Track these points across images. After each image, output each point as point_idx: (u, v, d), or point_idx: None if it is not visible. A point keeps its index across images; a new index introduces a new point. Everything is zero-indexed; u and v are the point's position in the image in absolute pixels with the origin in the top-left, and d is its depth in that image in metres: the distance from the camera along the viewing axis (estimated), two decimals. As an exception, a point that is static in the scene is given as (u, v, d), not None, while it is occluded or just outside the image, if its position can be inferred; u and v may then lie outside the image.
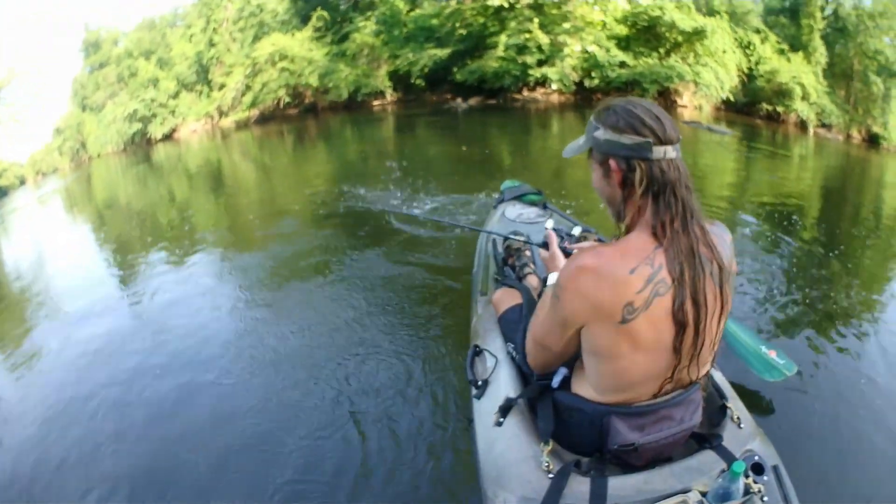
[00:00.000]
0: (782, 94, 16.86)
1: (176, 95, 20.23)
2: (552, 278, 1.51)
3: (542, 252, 1.69)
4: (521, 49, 15.95)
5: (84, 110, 21.52)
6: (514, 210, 2.95)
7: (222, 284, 4.25)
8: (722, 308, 1.16)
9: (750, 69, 17.44)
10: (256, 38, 19.04)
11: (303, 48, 17.96)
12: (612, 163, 1.17)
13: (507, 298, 1.94)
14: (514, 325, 1.76)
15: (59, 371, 3.16)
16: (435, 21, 17.80)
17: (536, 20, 15.75)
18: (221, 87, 19.48)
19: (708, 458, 1.26)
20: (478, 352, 1.86)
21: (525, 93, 17.41)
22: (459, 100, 17.01)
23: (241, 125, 18.98)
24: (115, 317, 3.83)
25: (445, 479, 2.03)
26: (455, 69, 16.99)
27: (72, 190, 13.83)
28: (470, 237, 4.03)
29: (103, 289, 4.49)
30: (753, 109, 17.17)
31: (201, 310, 3.72)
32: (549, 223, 1.89)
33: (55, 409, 2.74)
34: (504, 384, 1.62)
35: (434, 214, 4.10)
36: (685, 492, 1.18)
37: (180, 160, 15.11)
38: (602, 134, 1.17)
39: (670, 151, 1.12)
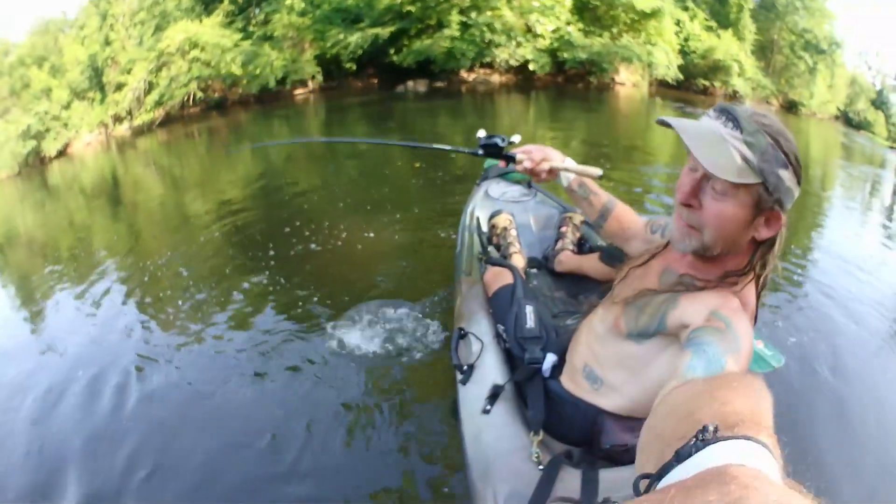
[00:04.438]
0: (718, 69, 16.59)
1: (68, 105, 16.43)
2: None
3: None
4: (478, 28, 13.32)
5: None
6: (497, 188, 2.65)
7: (139, 310, 3.51)
8: None
9: (681, 46, 16.55)
10: (159, 30, 15.36)
11: (214, 34, 14.32)
12: (783, 216, 0.91)
13: (498, 278, 1.73)
14: (505, 306, 1.58)
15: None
16: (351, 1, 14.81)
17: None
18: (118, 88, 15.76)
19: None
20: (463, 335, 1.64)
21: (463, 74, 14.77)
22: (411, 83, 13.64)
23: (142, 131, 15.54)
24: (24, 358, 3.12)
25: (431, 468, 1.80)
26: (392, 51, 13.55)
27: None
28: (450, 217, 3.74)
29: (12, 328, 3.75)
30: (686, 85, 16.44)
31: (119, 341, 3.05)
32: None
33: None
34: (491, 369, 1.48)
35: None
36: None
37: (76, 179, 12.58)
38: (789, 178, 0.88)
39: None
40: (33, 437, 2.30)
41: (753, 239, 0.92)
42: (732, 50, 16.45)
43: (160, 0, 15.92)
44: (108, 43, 16.55)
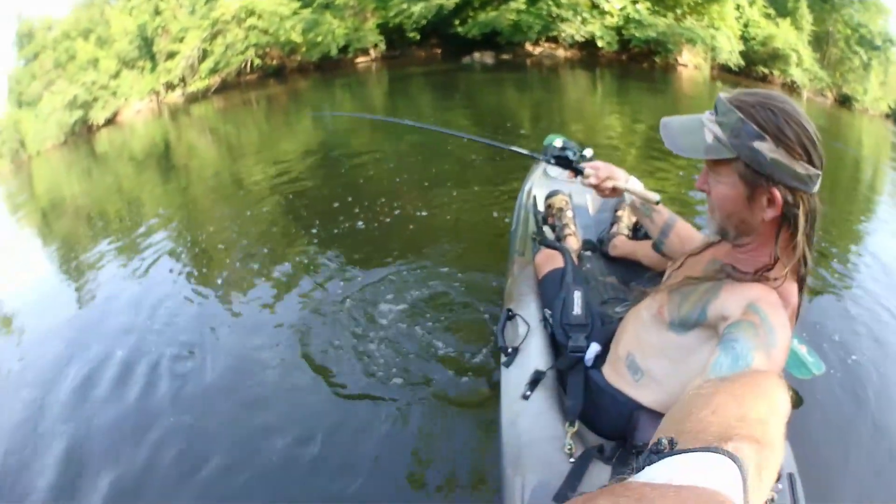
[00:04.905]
0: (777, 58, 15.94)
1: (117, 75, 16.27)
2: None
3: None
4: (545, 2, 12.81)
5: (20, 106, 17.34)
6: (555, 168, 2.02)
7: (186, 280, 3.37)
8: None
9: (741, 31, 15.89)
10: (210, -1, 14.67)
11: (271, 2, 13.88)
12: (777, 193, 0.87)
13: (548, 261, 1.69)
14: (554, 291, 1.53)
15: (22, 389, 2.52)
16: None
17: None
18: (170, 56, 15.49)
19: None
20: (510, 316, 1.61)
21: (528, 47, 14.29)
22: (478, 54, 13.18)
23: (196, 98, 15.28)
24: (74, 326, 3.09)
25: (467, 449, 1.77)
26: (456, 21, 13.05)
27: (13, 194, 11.04)
28: (509, 198, 3.53)
29: (58, 298, 3.63)
30: (746, 71, 15.72)
31: (163, 313, 2.95)
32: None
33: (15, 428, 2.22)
34: (535, 354, 1.43)
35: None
36: None
37: (125, 147, 12.30)
38: (770, 150, 0.85)
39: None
40: (72, 412, 2.26)
41: (765, 222, 0.90)
42: (791, 39, 15.87)
43: (212, -31, 15.64)
44: (157, 13, 16.24)
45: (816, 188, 0.85)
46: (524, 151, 1.66)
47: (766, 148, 0.83)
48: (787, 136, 0.82)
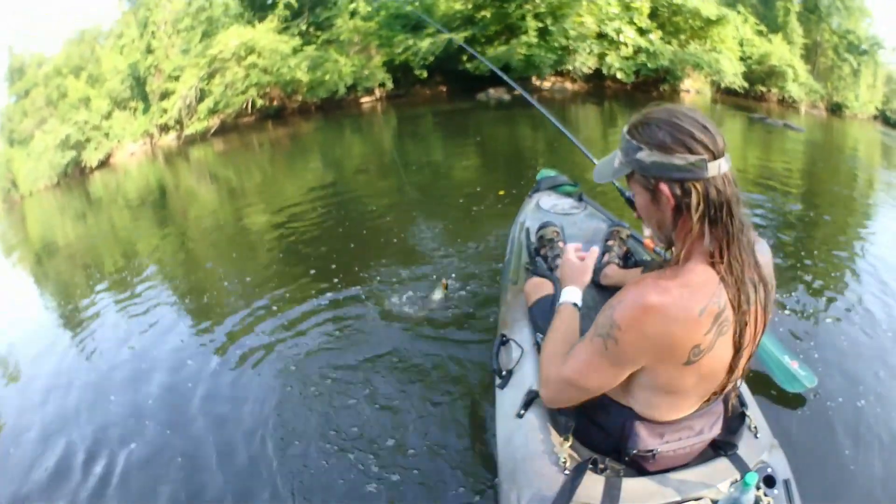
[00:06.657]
0: (774, 75, 15.59)
1: (109, 115, 15.57)
2: (566, 294, 1.27)
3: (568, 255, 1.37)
4: (559, 34, 12.18)
5: (12, 145, 16.77)
6: (548, 200, 2.59)
7: (187, 329, 3.38)
8: (764, 326, 1.01)
9: (739, 53, 15.60)
10: (207, 36, 14.17)
11: (271, 40, 13.07)
12: (664, 188, 0.93)
13: (538, 288, 1.71)
14: (544, 316, 1.54)
15: (15, 437, 2.53)
16: (410, 7, 13.91)
17: (585, 3, 12.13)
18: (164, 96, 14.73)
19: (722, 466, 1.14)
20: (504, 341, 1.68)
21: (536, 82, 13.71)
22: (492, 90, 12.41)
23: (193, 140, 14.51)
24: (70, 374, 3.05)
25: (465, 467, 1.84)
26: (464, 58, 12.45)
27: (6, 235, 10.75)
28: (500, 228, 3.71)
29: (50, 347, 3.54)
30: (745, 91, 15.35)
31: (169, 360, 2.96)
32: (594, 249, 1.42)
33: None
34: (528, 375, 1.47)
35: None
36: (697, 499, 1.08)
37: (120, 190, 11.75)
38: (647, 156, 0.93)
39: (724, 165, 0.90)
40: (54, 463, 2.21)
41: (674, 217, 0.94)
42: (785, 55, 15.60)
43: (206, 6, 14.79)
44: (149, 51, 15.56)
45: (710, 173, 0.87)
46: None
47: (644, 155, 0.92)
48: (659, 139, 0.89)
